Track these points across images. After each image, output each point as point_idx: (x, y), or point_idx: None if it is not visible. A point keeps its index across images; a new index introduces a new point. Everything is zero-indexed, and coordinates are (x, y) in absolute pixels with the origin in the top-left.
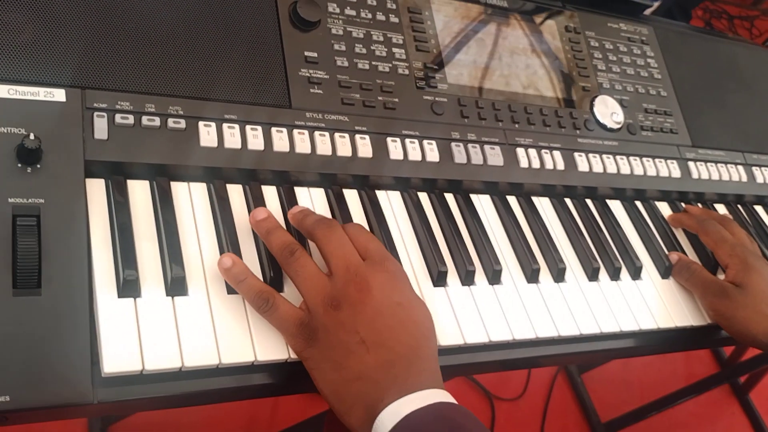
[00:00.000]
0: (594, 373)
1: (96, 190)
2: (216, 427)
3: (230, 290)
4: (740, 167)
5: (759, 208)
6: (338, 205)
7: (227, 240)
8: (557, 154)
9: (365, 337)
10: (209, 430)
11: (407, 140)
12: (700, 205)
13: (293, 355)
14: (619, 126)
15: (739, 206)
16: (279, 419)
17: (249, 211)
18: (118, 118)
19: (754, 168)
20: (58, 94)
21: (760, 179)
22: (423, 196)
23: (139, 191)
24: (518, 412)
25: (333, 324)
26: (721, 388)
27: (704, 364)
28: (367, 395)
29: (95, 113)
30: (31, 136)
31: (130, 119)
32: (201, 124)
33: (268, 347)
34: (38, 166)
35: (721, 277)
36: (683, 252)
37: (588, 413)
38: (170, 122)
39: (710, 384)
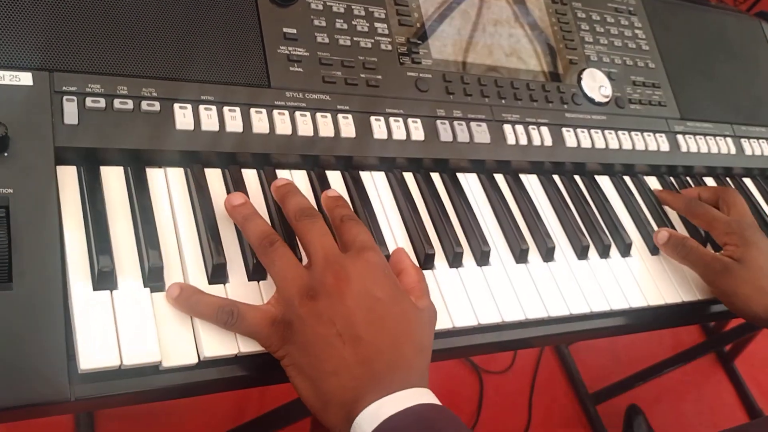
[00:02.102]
0: (581, 345)
1: (67, 177)
2: (206, 406)
3: (211, 280)
4: (729, 139)
5: (748, 181)
6: (321, 187)
7: (206, 227)
8: (545, 129)
9: (342, 329)
10: (198, 411)
11: (391, 119)
12: (689, 179)
13: None
14: (607, 99)
15: (727, 179)
16: (269, 398)
17: None
18: (88, 101)
19: (742, 140)
20: (25, 78)
21: (748, 151)
22: (408, 176)
23: (113, 178)
24: (507, 384)
25: (309, 315)
26: (706, 356)
27: (690, 332)
28: (344, 391)
29: (64, 97)
30: None
31: (102, 102)
32: (176, 106)
33: (251, 339)
34: (5, 154)
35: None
36: (673, 227)
37: (576, 384)
38: (144, 105)
39: (696, 353)
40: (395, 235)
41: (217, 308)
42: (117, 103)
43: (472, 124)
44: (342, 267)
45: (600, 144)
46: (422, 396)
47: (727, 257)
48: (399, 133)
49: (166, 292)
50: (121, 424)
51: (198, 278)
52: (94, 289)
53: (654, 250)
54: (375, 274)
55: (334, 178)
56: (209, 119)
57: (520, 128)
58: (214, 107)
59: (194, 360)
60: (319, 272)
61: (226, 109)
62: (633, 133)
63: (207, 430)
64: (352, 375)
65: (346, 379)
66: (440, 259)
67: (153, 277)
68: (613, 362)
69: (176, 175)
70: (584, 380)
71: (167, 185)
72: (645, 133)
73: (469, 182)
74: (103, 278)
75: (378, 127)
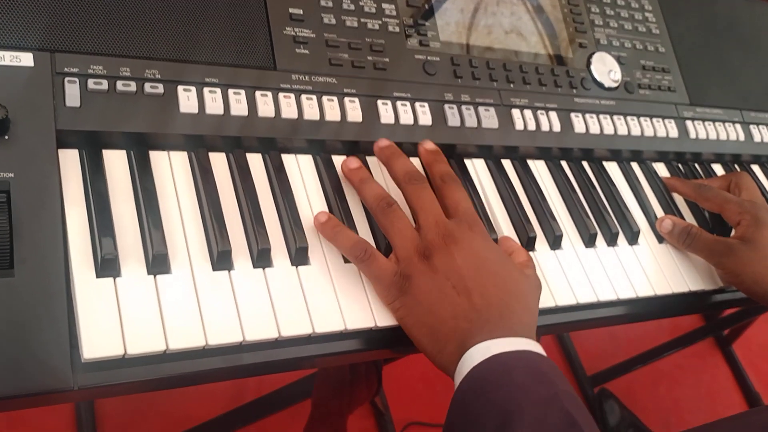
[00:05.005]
0: None
1: (69, 161)
2: (205, 388)
3: (216, 267)
4: (738, 126)
5: (756, 168)
6: (327, 172)
7: (211, 212)
8: (553, 115)
9: (456, 283)
10: (198, 392)
11: (398, 103)
12: (697, 166)
13: (283, 334)
14: (616, 84)
15: (735, 165)
16: (267, 381)
17: (233, 181)
18: (90, 83)
19: (751, 126)
20: (25, 59)
21: (757, 138)
22: (415, 162)
23: (116, 162)
24: None
25: (427, 271)
26: (705, 340)
27: (689, 316)
28: (461, 332)
29: (66, 78)
30: None
31: (104, 84)
32: (180, 88)
33: (257, 327)
34: (6, 137)
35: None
36: (681, 216)
37: (574, 366)
38: (147, 87)
39: (695, 337)
40: None
41: (354, 242)
42: (120, 86)
43: (480, 108)
44: (450, 232)
45: (609, 130)
46: (532, 346)
47: (735, 238)
48: (406, 118)
49: (315, 216)
50: (120, 404)
51: (202, 265)
52: (97, 276)
53: (661, 237)
54: (480, 239)
55: (340, 163)
56: (214, 102)
57: (528, 113)
58: (218, 90)
59: (201, 344)
60: (431, 235)
61: (231, 91)
62: (642, 118)
63: (207, 411)
64: (468, 318)
65: (462, 322)
66: None
67: (157, 264)
68: (611, 345)
69: (180, 159)
70: (583, 362)
71: (171, 169)
72: (654, 119)
73: (477, 168)
74: (107, 265)
75: (385, 111)
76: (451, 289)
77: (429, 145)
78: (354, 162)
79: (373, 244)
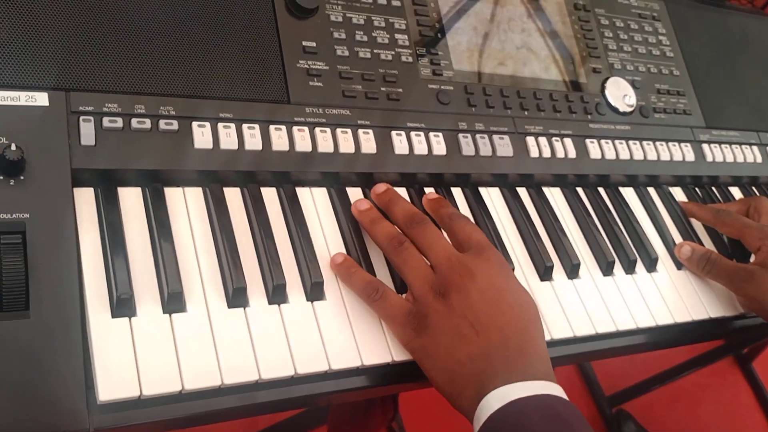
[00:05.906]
0: None
1: (85, 200)
2: None
3: (231, 304)
4: (755, 148)
5: None
6: (342, 204)
7: (226, 248)
8: (568, 141)
9: (473, 321)
10: None
11: (413, 133)
12: (715, 189)
13: (299, 371)
14: (631, 109)
15: (753, 188)
16: None
17: (248, 215)
18: (105, 121)
19: None
20: (41, 98)
21: None
22: (429, 192)
23: (131, 199)
24: None
25: (443, 310)
26: (724, 358)
27: None
28: (480, 374)
29: (81, 117)
30: (13, 147)
31: (119, 122)
32: (195, 124)
33: (272, 365)
34: (21, 177)
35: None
36: (699, 241)
37: (592, 387)
38: (162, 124)
39: (714, 356)
40: None
41: (366, 282)
42: (134, 123)
43: (495, 137)
44: (465, 267)
45: (624, 155)
46: (552, 389)
47: (755, 264)
48: (420, 148)
49: (331, 258)
50: None
51: (217, 302)
52: (113, 316)
53: (680, 264)
54: (497, 270)
55: (355, 195)
56: (228, 137)
57: (543, 140)
58: (232, 125)
59: (216, 384)
60: (445, 273)
61: (245, 126)
62: (658, 143)
63: None
64: (487, 359)
65: (482, 363)
66: None
67: (172, 303)
68: (630, 365)
69: (195, 194)
70: (600, 382)
71: (186, 206)
72: (670, 143)
73: (492, 197)
74: (122, 305)
75: (399, 142)
76: (468, 328)
77: (431, 195)
78: (364, 204)
79: (389, 277)
